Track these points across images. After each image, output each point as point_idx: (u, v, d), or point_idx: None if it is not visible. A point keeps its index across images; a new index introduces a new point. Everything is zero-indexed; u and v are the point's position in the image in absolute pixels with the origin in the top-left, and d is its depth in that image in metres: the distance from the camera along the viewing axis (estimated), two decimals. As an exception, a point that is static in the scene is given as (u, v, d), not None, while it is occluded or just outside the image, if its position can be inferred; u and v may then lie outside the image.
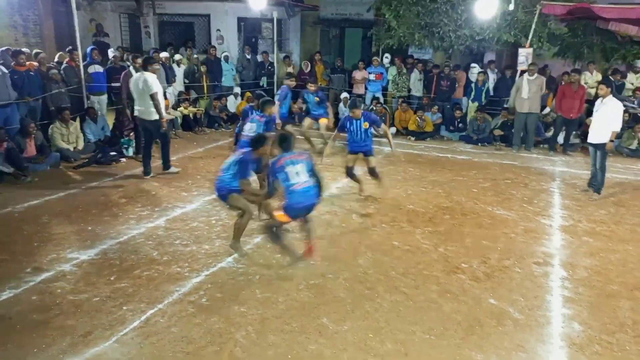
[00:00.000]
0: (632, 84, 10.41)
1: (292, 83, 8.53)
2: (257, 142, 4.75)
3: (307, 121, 9.21)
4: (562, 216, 6.22)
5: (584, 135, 10.10)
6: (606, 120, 6.71)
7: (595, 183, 7.03)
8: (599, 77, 10.32)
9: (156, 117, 6.94)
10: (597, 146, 6.90)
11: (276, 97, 8.38)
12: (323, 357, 3.35)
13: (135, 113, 7.16)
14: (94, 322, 3.65)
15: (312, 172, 4.51)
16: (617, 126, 6.76)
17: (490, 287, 4.38)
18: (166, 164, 7.52)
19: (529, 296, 4.24)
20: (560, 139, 9.76)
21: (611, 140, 6.76)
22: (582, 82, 9.68)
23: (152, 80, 6.83)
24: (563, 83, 9.52)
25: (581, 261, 4.96)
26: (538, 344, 3.58)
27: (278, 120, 7.55)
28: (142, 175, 7.27)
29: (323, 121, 9.06)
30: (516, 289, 4.37)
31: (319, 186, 4.51)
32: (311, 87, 9.16)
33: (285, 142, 4.59)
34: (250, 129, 6.03)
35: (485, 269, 4.71)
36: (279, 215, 4.44)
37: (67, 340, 3.44)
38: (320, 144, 8.86)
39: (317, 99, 9.07)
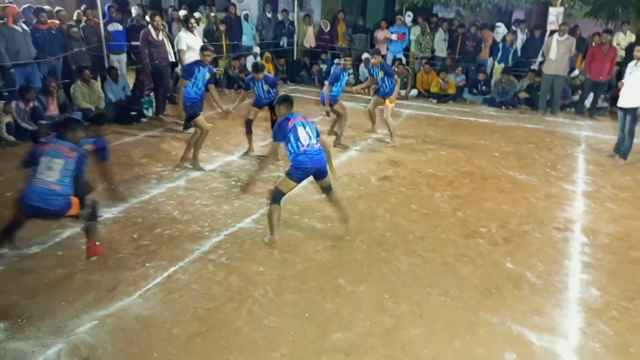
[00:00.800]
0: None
1: (347, 63, 7.18)
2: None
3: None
4: (586, 182, 6.10)
5: (613, 99, 9.79)
6: (639, 83, 6.45)
7: (623, 148, 6.84)
8: (633, 38, 9.87)
9: None
10: (627, 110, 6.67)
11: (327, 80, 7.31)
12: (339, 316, 3.42)
13: None
14: (118, 278, 3.77)
15: (318, 137, 4.40)
16: None
17: (508, 251, 4.37)
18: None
19: (548, 261, 4.22)
20: (588, 102, 9.46)
21: None
22: (614, 43, 9.27)
23: (180, 38, 7.59)
24: (594, 44, 9.13)
25: (603, 227, 4.89)
26: (554, 309, 3.59)
27: (327, 105, 6.88)
28: (166, 135, 7.45)
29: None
30: (535, 253, 4.35)
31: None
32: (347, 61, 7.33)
33: (290, 102, 4.47)
34: None
35: (503, 234, 4.68)
36: (286, 178, 4.27)
37: (92, 294, 3.57)
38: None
39: (382, 73, 7.22)
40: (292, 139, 4.23)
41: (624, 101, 6.68)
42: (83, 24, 8.51)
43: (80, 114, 7.75)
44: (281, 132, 4.28)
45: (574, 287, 3.87)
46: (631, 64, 6.63)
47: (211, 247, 4.28)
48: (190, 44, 7.68)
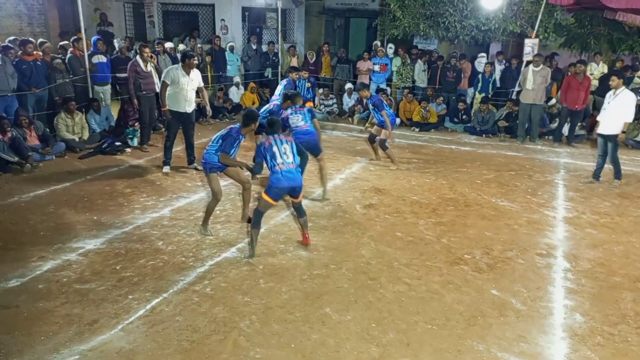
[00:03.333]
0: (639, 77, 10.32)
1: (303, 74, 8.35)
2: (248, 118, 4.81)
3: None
4: (566, 208, 6.22)
5: (590, 127, 10.09)
6: (618, 111, 6.75)
7: (614, 170, 7.17)
8: (605, 68, 10.26)
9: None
10: (608, 137, 6.95)
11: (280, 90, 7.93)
12: (326, 346, 3.39)
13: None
14: (99, 311, 3.70)
15: (297, 155, 4.78)
16: (630, 117, 6.78)
17: (493, 278, 4.40)
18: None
19: (532, 287, 4.26)
20: (565, 130, 9.72)
21: (623, 132, 6.79)
22: (588, 73, 9.60)
23: (168, 70, 6.85)
24: (569, 74, 9.46)
25: (584, 253, 4.97)
26: (540, 335, 3.61)
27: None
28: (150, 165, 7.34)
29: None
30: (519, 280, 4.39)
31: (302, 170, 4.82)
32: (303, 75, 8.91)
33: (273, 125, 4.81)
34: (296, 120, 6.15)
35: (488, 260, 4.73)
36: (263, 195, 4.61)
37: (73, 328, 3.49)
38: None
39: (372, 105, 7.65)
40: (268, 157, 4.58)
41: (604, 129, 6.95)
42: (69, 54, 8.55)
43: (63, 144, 7.72)
44: (259, 151, 4.67)
45: (558, 313, 3.90)
46: (609, 94, 6.92)
47: (196, 277, 4.23)
48: (177, 81, 6.72)
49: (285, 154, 4.58)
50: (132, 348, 3.30)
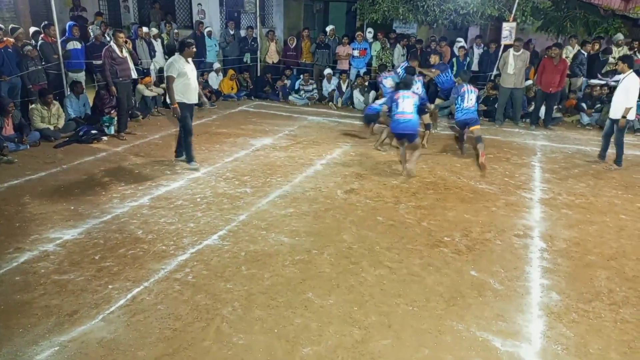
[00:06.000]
0: (614, 58, 10.49)
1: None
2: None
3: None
4: (542, 189, 6.34)
5: (566, 109, 10.26)
6: (622, 96, 6.96)
7: (604, 155, 7.50)
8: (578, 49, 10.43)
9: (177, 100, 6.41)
10: (613, 121, 7.21)
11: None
12: (309, 330, 3.42)
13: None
14: (79, 302, 3.66)
15: (417, 109, 6.56)
16: (630, 102, 6.95)
17: (472, 259, 4.48)
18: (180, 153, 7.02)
19: (509, 267, 4.35)
20: (542, 113, 9.85)
21: (623, 117, 7.01)
22: (564, 56, 9.72)
23: (170, 63, 6.37)
24: (546, 57, 9.57)
25: (560, 233, 5.09)
26: (517, 314, 3.69)
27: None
28: (128, 154, 7.20)
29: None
30: (497, 260, 4.48)
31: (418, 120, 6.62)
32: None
33: (406, 83, 6.77)
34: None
35: (467, 242, 4.80)
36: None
37: (52, 319, 3.45)
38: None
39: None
40: (393, 107, 6.55)
41: (611, 112, 7.23)
42: (41, 41, 8.30)
43: (38, 134, 7.55)
44: (389, 99, 6.86)
45: (535, 292, 4.00)
46: (619, 77, 7.18)
47: (177, 265, 4.21)
48: (184, 71, 6.35)
49: (405, 107, 6.40)
50: (114, 338, 3.28)
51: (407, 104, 6.45)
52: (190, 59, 6.46)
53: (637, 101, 7.33)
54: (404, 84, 6.78)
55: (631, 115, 7.08)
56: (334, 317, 3.57)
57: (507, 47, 9.84)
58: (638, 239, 5.03)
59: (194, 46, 6.50)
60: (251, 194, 5.81)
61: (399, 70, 8.15)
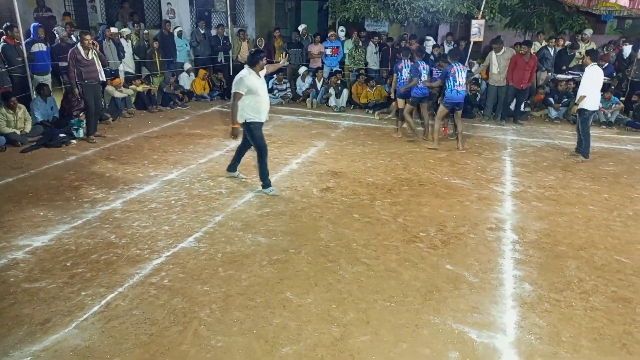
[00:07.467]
0: (580, 53, 10.79)
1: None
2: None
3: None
4: (513, 183, 6.48)
5: (533, 103, 10.50)
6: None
7: (581, 149, 7.63)
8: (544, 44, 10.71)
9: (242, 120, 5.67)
10: (578, 112, 7.50)
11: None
12: (288, 330, 3.42)
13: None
14: (51, 310, 3.57)
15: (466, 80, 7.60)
16: (582, 91, 7.28)
17: (447, 253, 4.55)
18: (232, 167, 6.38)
19: (483, 260, 4.44)
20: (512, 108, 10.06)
21: (575, 104, 7.36)
22: (533, 52, 9.95)
23: (240, 78, 5.51)
24: (516, 54, 9.79)
25: (531, 225, 5.21)
26: (492, 305, 3.77)
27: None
28: (98, 157, 7.03)
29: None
30: (471, 254, 4.55)
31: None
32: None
33: (454, 55, 7.71)
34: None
35: (442, 237, 4.87)
36: (441, 106, 7.73)
37: (23, 329, 3.36)
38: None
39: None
40: (450, 80, 7.40)
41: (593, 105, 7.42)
42: (3, 43, 8.05)
43: (3, 138, 7.32)
44: (445, 73, 7.52)
45: (508, 283, 4.09)
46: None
47: (152, 269, 4.14)
48: (255, 88, 5.52)
49: (461, 80, 7.39)
50: (88, 345, 3.21)
51: (462, 76, 7.45)
52: (262, 73, 5.68)
53: (601, 94, 7.60)
54: (455, 55, 7.72)
55: (593, 106, 7.31)
56: (313, 316, 3.57)
57: (475, 43, 10.02)
58: (606, 229, 5.19)
59: (265, 58, 5.72)
60: (226, 195, 5.77)
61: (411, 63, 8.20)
